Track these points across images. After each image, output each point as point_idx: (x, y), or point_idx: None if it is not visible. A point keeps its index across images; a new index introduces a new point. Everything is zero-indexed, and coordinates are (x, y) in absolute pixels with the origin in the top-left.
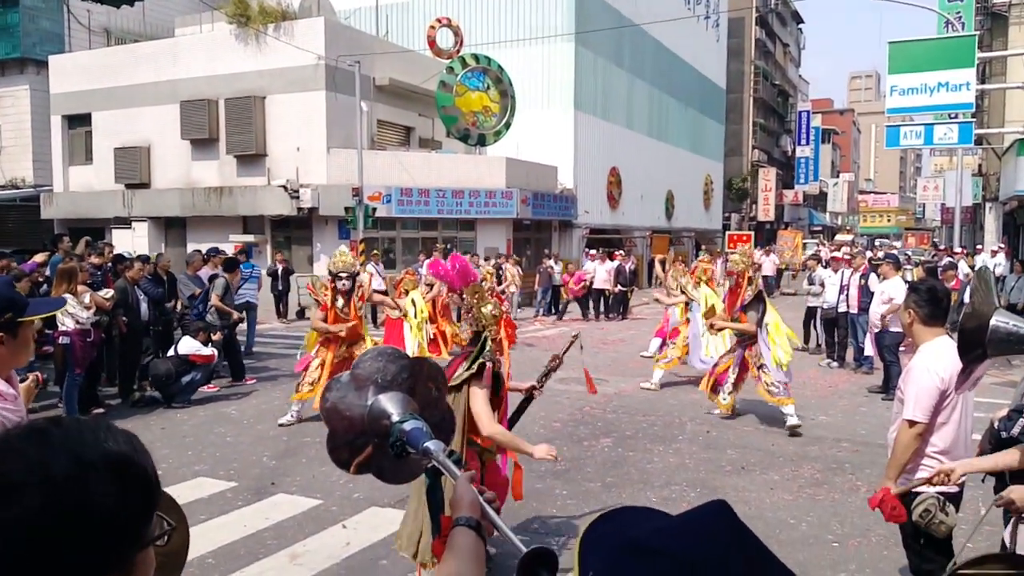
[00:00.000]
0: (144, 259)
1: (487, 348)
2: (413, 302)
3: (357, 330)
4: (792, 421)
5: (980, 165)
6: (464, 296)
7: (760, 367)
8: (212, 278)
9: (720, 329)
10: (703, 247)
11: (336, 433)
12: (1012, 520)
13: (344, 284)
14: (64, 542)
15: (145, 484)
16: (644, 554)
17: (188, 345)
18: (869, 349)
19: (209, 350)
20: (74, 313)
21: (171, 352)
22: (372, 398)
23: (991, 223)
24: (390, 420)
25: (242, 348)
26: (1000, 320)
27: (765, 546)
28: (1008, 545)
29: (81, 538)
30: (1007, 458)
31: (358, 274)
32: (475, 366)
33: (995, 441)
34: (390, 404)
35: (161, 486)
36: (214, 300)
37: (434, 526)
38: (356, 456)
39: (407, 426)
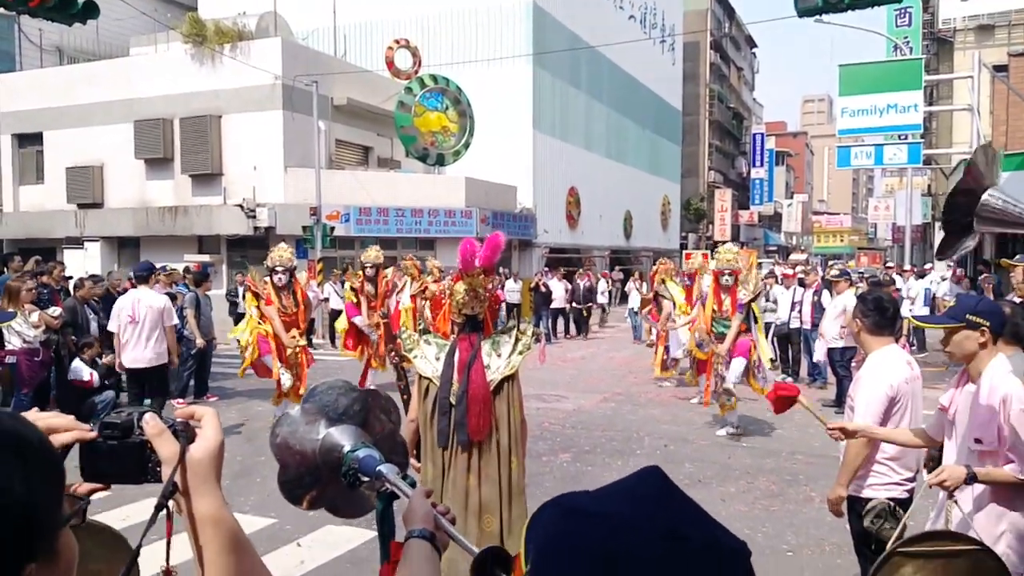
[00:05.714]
0: (97, 279)
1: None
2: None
3: (296, 321)
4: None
5: (929, 185)
6: (466, 279)
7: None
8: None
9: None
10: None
11: (287, 468)
12: (942, 499)
13: (280, 279)
14: None
15: (50, 465)
16: (579, 515)
17: (74, 369)
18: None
19: (87, 375)
20: (20, 331)
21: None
22: (324, 431)
23: None
24: (341, 451)
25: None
26: (992, 195)
27: (696, 504)
28: (943, 526)
29: None
30: (900, 433)
31: (295, 268)
32: (518, 357)
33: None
34: (342, 436)
35: (65, 473)
36: (189, 317)
37: (383, 552)
38: (308, 492)
39: (360, 454)
